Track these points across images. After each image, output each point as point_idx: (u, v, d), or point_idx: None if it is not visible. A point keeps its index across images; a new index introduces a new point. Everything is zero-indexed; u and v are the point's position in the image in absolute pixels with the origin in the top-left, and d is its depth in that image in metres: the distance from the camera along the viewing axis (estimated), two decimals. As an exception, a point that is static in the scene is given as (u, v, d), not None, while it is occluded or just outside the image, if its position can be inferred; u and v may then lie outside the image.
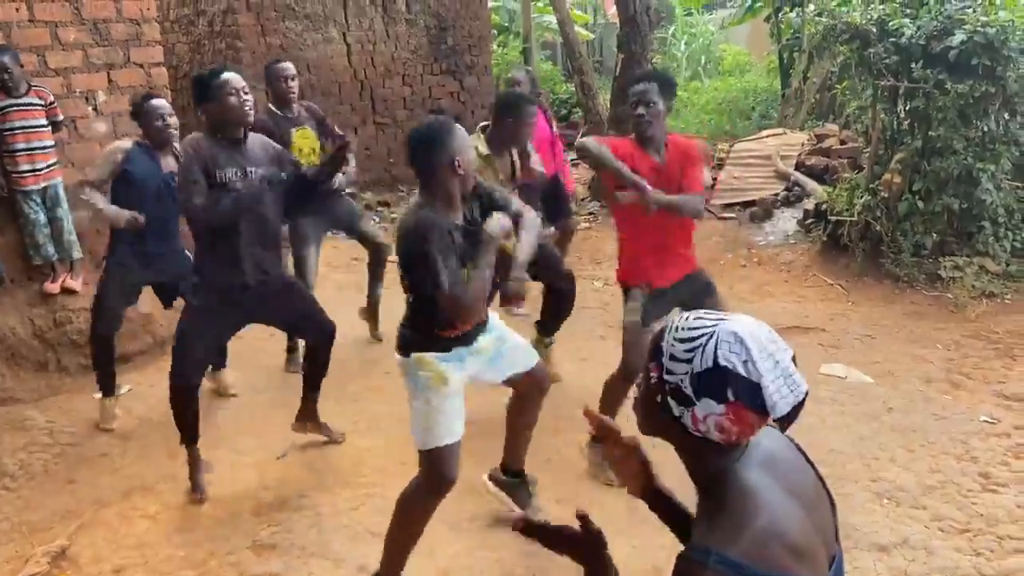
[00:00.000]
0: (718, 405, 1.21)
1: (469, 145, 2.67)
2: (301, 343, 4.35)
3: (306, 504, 3.41)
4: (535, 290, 4.48)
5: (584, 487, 3.44)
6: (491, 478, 3.21)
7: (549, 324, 4.46)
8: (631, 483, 1.52)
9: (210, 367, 4.12)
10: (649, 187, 3.13)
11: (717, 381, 1.21)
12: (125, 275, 4.04)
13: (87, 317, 4.69)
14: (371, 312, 5.23)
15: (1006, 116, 5.69)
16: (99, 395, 4.23)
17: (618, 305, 3.53)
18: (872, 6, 5.94)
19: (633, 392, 1.39)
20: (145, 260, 4.02)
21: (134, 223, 3.81)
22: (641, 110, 3.24)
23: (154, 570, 3.04)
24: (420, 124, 2.67)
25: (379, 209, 8.87)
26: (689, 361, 1.23)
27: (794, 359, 1.25)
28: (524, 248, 2.76)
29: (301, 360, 4.04)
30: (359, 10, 9.51)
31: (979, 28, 5.28)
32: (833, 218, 6.26)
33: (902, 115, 6.02)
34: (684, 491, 1.38)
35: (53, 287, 4.75)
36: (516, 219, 2.74)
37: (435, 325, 2.62)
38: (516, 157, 3.97)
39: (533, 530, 1.46)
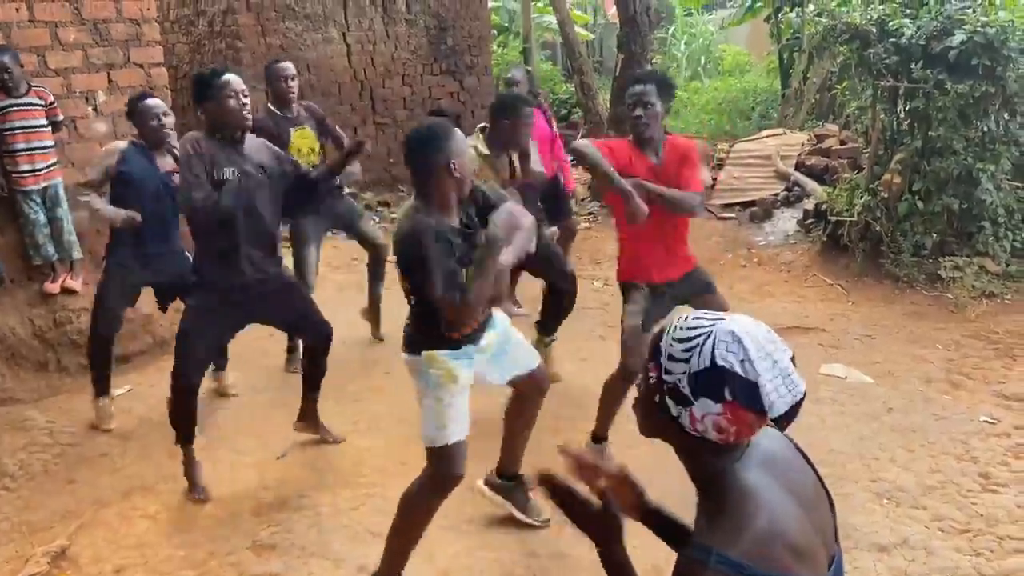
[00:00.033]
0: (715, 405, 1.21)
1: (466, 148, 2.65)
2: (301, 343, 4.34)
3: (306, 504, 3.41)
4: (536, 289, 4.48)
5: (584, 487, 3.43)
6: (487, 483, 3.21)
7: (549, 323, 4.46)
8: (628, 510, 1.52)
9: (211, 367, 4.13)
10: (635, 193, 3.12)
11: (714, 380, 1.21)
12: (125, 276, 4.04)
13: (87, 317, 4.69)
14: (373, 312, 5.22)
15: (1006, 116, 5.69)
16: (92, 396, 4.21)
17: (618, 305, 3.53)
18: (872, 6, 5.95)
19: (633, 393, 1.39)
20: (145, 261, 4.02)
21: (131, 222, 3.81)
22: (639, 111, 3.24)
23: (154, 570, 3.04)
24: (417, 127, 2.66)
25: (379, 209, 8.87)
26: (687, 361, 1.23)
27: (793, 359, 1.25)
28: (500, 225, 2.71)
29: (301, 360, 4.04)
30: (359, 10, 9.51)
31: (979, 28, 5.28)
32: (833, 218, 6.27)
33: (902, 115, 6.02)
34: (685, 491, 1.38)
35: (53, 287, 4.75)
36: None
37: (439, 327, 2.62)
38: (516, 158, 3.97)
39: (556, 492, 1.46)
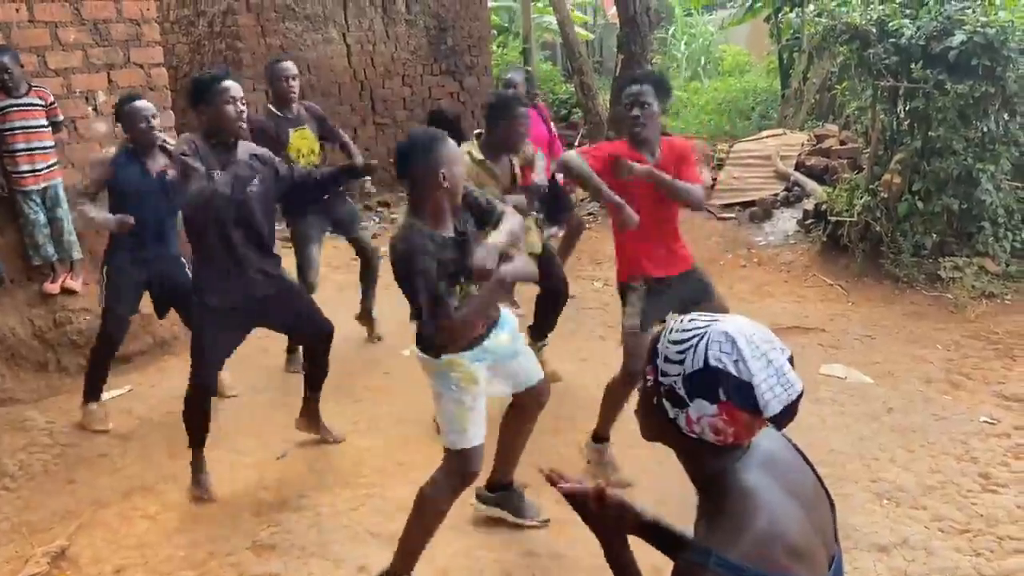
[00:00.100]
0: (710, 406, 1.21)
1: (457, 157, 2.60)
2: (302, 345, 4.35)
3: (306, 504, 3.41)
4: (535, 290, 4.48)
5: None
6: (478, 497, 3.21)
7: (542, 327, 4.45)
8: (629, 528, 1.51)
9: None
10: (625, 204, 3.15)
11: (708, 381, 1.21)
12: (126, 279, 4.03)
13: (87, 317, 4.70)
14: (366, 319, 5.22)
15: (1006, 116, 5.69)
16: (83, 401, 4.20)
17: (618, 305, 3.53)
18: (872, 6, 5.94)
19: (636, 396, 1.39)
20: (144, 264, 4.02)
21: (126, 226, 3.82)
22: (636, 111, 3.25)
23: (154, 570, 3.04)
24: (405, 138, 2.63)
25: (379, 209, 8.87)
26: (681, 362, 1.23)
27: (791, 360, 1.25)
28: (500, 234, 2.69)
29: (301, 361, 4.04)
30: (359, 11, 9.52)
31: (979, 29, 5.28)
32: (833, 218, 6.26)
33: (902, 115, 6.02)
34: (685, 493, 1.38)
35: (53, 287, 4.75)
36: (498, 221, 2.72)
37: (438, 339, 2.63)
38: (516, 161, 3.94)
39: (563, 491, 1.47)
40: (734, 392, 1.20)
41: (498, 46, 14.88)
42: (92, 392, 4.19)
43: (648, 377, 1.29)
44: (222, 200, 3.19)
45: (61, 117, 4.73)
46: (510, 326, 2.87)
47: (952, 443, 3.67)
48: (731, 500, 1.22)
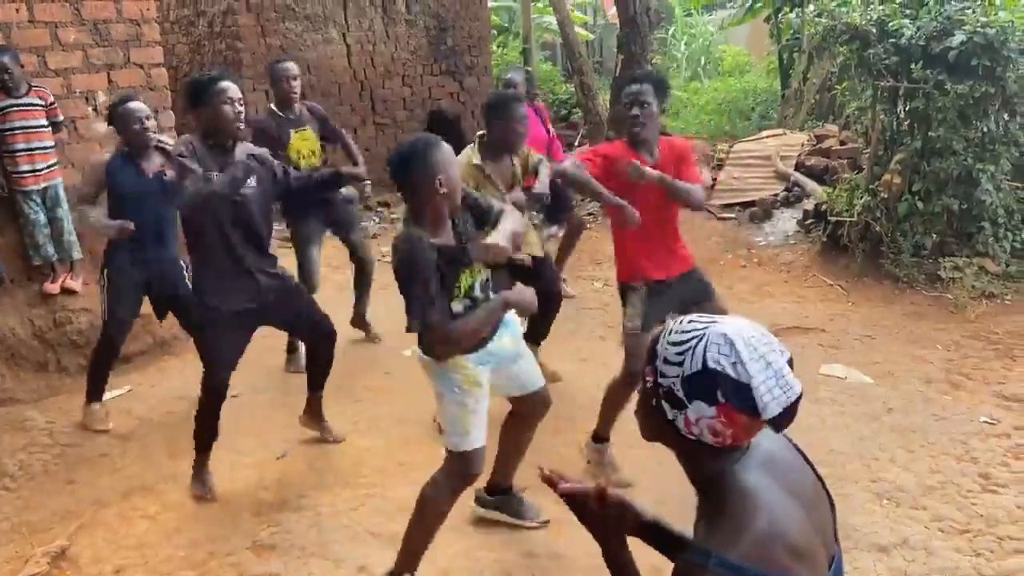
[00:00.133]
0: (709, 407, 1.21)
1: (452, 160, 2.59)
2: (302, 344, 4.34)
3: (306, 504, 3.41)
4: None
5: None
6: (477, 501, 3.21)
7: (536, 331, 4.44)
8: (629, 528, 1.51)
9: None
10: (626, 204, 3.17)
11: (707, 383, 1.21)
12: (126, 280, 4.03)
13: (87, 317, 4.70)
14: (360, 324, 5.21)
15: (1006, 117, 5.69)
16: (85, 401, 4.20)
17: (618, 305, 3.53)
18: (872, 7, 5.95)
19: (636, 397, 1.39)
20: (143, 265, 4.01)
21: (125, 232, 3.82)
22: (635, 111, 3.26)
23: (154, 570, 3.04)
24: (400, 144, 2.63)
25: (379, 210, 8.86)
26: (680, 364, 1.23)
27: (791, 362, 1.24)
28: (500, 233, 2.70)
29: (302, 361, 4.04)
30: (359, 11, 9.52)
31: (979, 29, 5.28)
32: (833, 219, 6.27)
33: (902, 116, 6.02)
34: (685, 493, 1.38)
35: (53, 287, 4.75)
36: (497, 220, 2.73)
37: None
38: (518, 163, 3.92)
39: (562, 491, 1.47)
40: (732, 394, 1.20)
41: (498, 46, 14.88)
42: (94, 393, 4.19)
43: (647, 378, 1.29)
44: (219, 201, 3.19)
45: (61, 117, 4.73)
46: (513, 329, 2.87)
47: (952, 443, 3.67)
48: (731, 501, 1.22)
